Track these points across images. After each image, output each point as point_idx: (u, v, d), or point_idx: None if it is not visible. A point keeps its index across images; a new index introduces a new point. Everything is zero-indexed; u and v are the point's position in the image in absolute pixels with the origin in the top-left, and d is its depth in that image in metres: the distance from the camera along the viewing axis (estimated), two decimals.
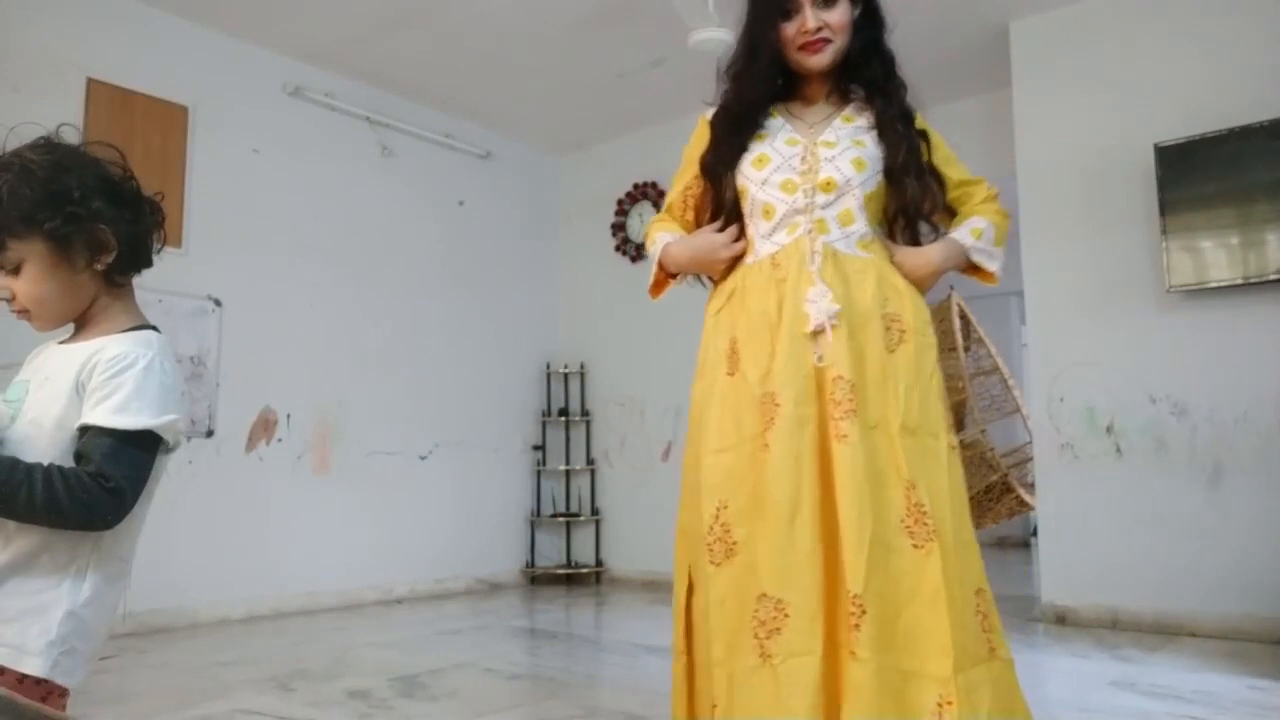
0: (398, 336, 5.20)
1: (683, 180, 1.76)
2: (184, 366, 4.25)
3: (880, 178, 1.59)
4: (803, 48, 1.56)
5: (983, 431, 5.05)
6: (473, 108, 5.52)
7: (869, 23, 1.62)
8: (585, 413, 5.94)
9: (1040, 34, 4.36)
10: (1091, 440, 4.04)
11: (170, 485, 4.17)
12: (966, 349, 5.31)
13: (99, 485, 1.15)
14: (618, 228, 5.95)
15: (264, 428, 4.55)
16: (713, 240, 1.64)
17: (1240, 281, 3.70)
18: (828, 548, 1.42)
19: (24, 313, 1.26)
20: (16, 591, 1.16)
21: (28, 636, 1.16)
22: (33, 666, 1.15)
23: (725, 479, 1.48)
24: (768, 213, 1.58)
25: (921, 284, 1.61)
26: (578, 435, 5.94)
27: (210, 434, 4.32)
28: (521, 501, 5.82)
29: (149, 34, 4.27)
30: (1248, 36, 3.83)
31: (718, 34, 3.68)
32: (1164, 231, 3.86)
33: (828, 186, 1.56)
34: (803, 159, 1.57)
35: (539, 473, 5.88)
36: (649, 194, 5.74)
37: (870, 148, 1.59)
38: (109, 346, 1.25)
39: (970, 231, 1.66)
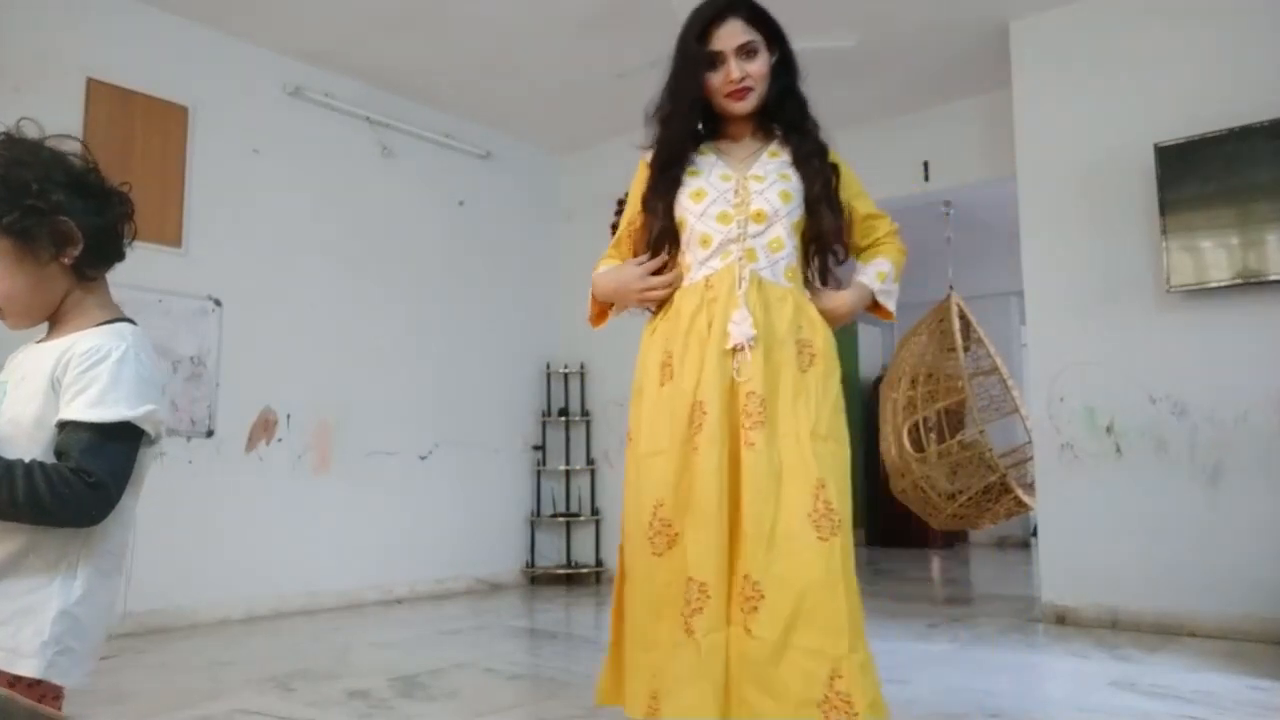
0: (398, 336, 5.20)
1: (628, 216, 1.94)
2: (184, 366, 4.25)
3: (803, 208, 1.78)
4: (729, 95, 1.75)
5: (981, 432, 5.05)
6: (473, 108, 5.52)
7: (784, 70, 1.81)
8: (585, 413, 5.94)
9: (1040, 34, 4.36)
10: (1091, 440, 4.04)
11: (170, 485, 4.21)
12: (966, 349, 5.31)
13: (81, 481, 1.14)
14: (618, 228, 5.94)
15: (264, 428, 4.55)
16: (632, 273, 1.84)
17: (1240, 281, 3.70)
18: (731, 539, 1.63)
19: None
20: (6, 593, 1.16)
21: (21, 639, 1.15)
22: (27, 668, 1.14)
23: (661, 478, 1.67)
24: (705, 242, 1.76)
25: (835, 323, 1.82)
26: (578, 435, 5.94)
27: (210, 434, 4.32)
28: (521, 501, 5.82)
29: (149, 34, 4.27)
30: (1248, 36, 3.83)
31: None
32: (1164, 231, 3.86)
33: (759, 217, 1.74)
34: (735, 192, 1.76)
35: (539, 473, 5.88)
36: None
37: (794, 181, 1.78)
38: (82, 341, 1.24)
39: (876, 275, 1.87)
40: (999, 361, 5.45)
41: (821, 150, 1.81)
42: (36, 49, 3.91)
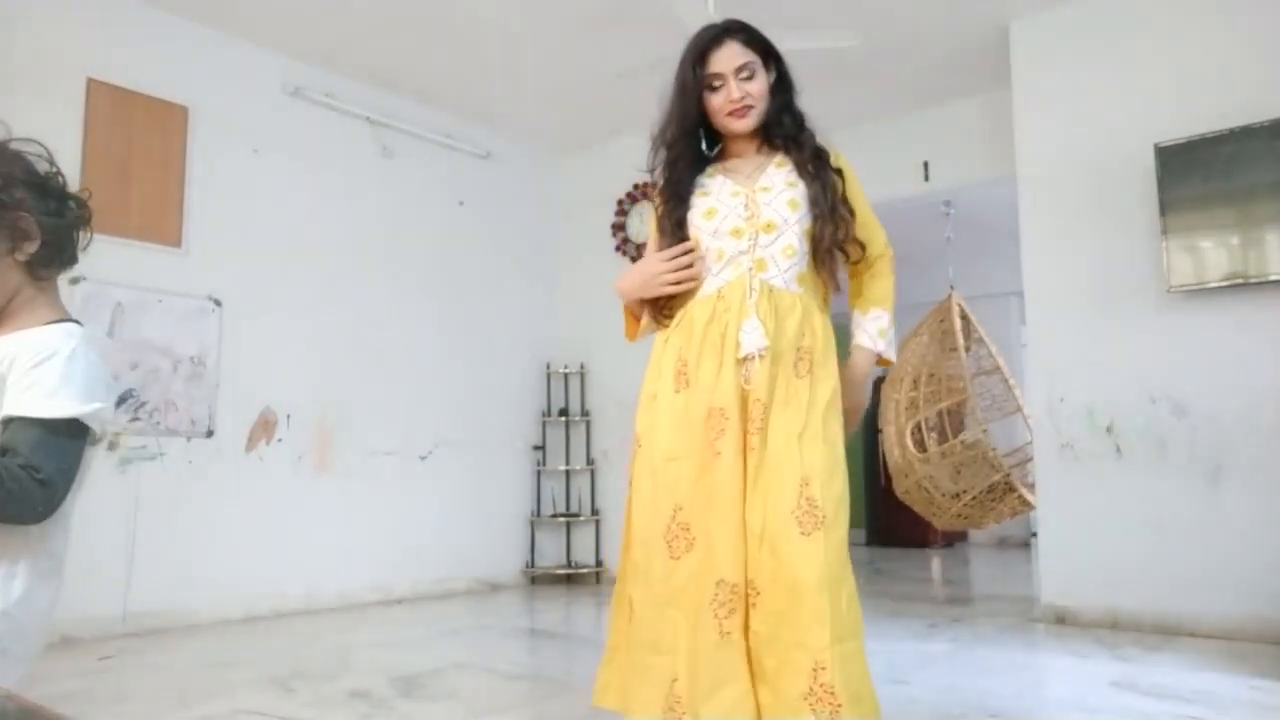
0: (398, 336, 5.20)
1: (648, 250, 1.97)
2: (184, 366, 4.25)
3: (811, 214, 1.84)
4: (730, 114, 1.83)
5: (984, 431, 5.05)
6: (473, 108, 5.52)
7: (781, 87, 1.88)
8: (585, 413, 5.94)
9: (1040, 34, 4.36)
10: (1091, 440, 4.04)
11: (170, 485, 4.22)
12: (967, 349, 5.31)
13: (29, 476, 1.14)
14: (618, 228, 5.95)
15: (264, 428, 4.55)
16: (654, 261, 1.87)
17: (1240, 282, 3.70)
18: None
19: None
20: None
21: None
22: None
23: (681, 483, 1.72)
24: (719, 256, 1.82)
25: (855, 398, 1.89)
26: (578, 435, 5.94)
27: (210, 434, 4.32)
28: (521, 501, 5.82)
29: (149, 34, 4.27)
30: (1248, 36, 3.83)
31: None
32: (1164, 231, 3.86)
33: (769, 228, 1.81)
34: (746, 206, 1.83)
35: (539, 473, 5.88)
36: (649, 194, 5.70)
37: (801, 188, 1.84)
38: (29, 338, 1.24)
39: (878, 333, 1.92)
40: (1000, 361, 5.45)
41: (820, 157, 1.87)
42: (36, 49, 3.91)
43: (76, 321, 1.32)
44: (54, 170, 1.32)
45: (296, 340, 4.71)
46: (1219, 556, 3.67)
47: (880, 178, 5.13)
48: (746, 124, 1.84)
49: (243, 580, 4.35)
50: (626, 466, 1.87)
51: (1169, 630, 3.73)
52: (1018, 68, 4.44)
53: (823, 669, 1.54)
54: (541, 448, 5.94)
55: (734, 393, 1.72)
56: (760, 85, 1.83)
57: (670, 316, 1.87)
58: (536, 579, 5.79)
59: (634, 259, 5.78)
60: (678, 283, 1.83)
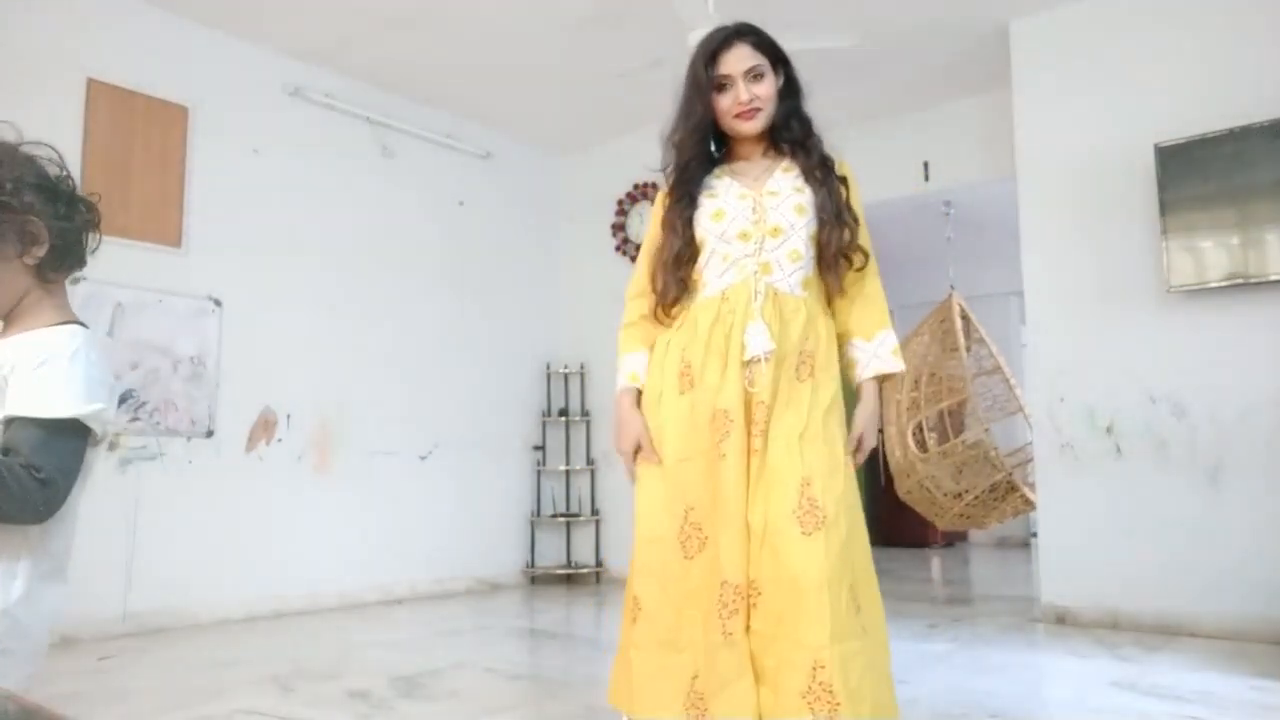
0: (398, 336, 5.20)
1: (648, 244, 1.98)
2: (184, 366, 4.25)
3: (817, 220, 1.85)
4: (738, 115, 1.85)
5: (986, 431, 5.05)
6: (473, 108, 5.52)
7: (789, 91, 1.90)
8: (585, 413, 5.94)
9: (1040, 34, 4.36)
10: (1091, 440, 4.03)
11: (170, 485, 4.21)
12: (968, 349, 5.31)
13: (30, 476, 1.14)
14: (618, 228, 5.95)
15: (264, 428, 4.55)
16: (631, 433, 1.85)
17: (1241, 282, 3.70)
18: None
19: None
20: None
21: None
22: None
23: (691, 484, 1.75)
24: (725, 258, 1.84)
25: (873, 428, 1.87)
26: (578, 435, 5.94)
27: (210, 434, 4.32)
28: (521, 501, 5.82)
29: (149, 34, 4.27)
30: (1247, 36, 3.83)
31: None
32: (1164, 231, 3.86)
33: (775, 232, 1.83)
34: (754, 209, 1.84)
35: (539, 473, 5.88)
36: (649, 194, 5.74)
37: (807, 194, 1.86)
38: (32, 339, 1.24)
39: (891, 354, 1.88)
40: (1001, 361, 5.45)
41: (826, 164, 1.89)
42: (36, 49, 3.91)
43: (82, 324, 1.33)
44: (64, 174, 1.32)
45: (296, 340, 4.71)
46: (1219, 556, 3.67)
47: (880, 178, 5.14)
48: (754, 126, 1.85)
49: (243, 580, 4.35)
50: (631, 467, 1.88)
51: (1169, 630, 3.73)
52: (1018, 68, 4.44)
53: (821, 668, 1.55)
54: (541, 448, 5.94)
55: (738, 395, 1.74)
56: (768, 88, 1.84)
57: (673, 318, 1.88)
58: (536, 579, 5.79)
59: (634, 259, 5.77)
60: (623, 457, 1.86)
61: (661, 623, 1.72)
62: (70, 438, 1.21)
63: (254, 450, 4.50)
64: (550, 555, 5.87)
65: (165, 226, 4.26)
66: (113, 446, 3.95)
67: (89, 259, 1.38)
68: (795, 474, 1.67)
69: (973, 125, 5.10)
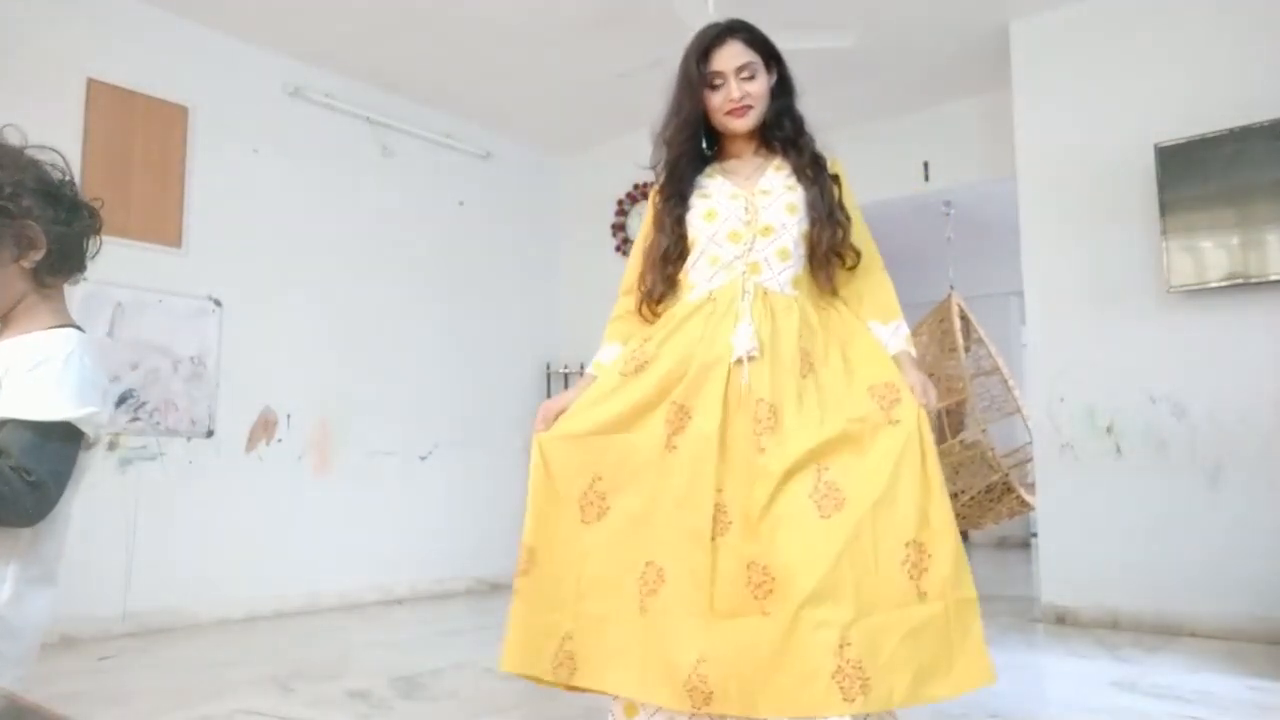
0: (398, 336, 5.20)
1: (638, 243, 1.99)
2: (184, 366, 4.25)
3: (808, 219, 1.84)
4: (729, 112, 1.84)
5: (983, 431, 5.06)
6: (473, 108, 5.52)
7: (781, 89, 1.89)
8: None
9: (1040, 34, 4.36)
10: (1091, 440, 4.03)
11: (170, 485, 4.21)
12: (967, 349, 5.32)
13: (20, 479, 1.14)
14: (618, 228, 5.95)
15: (264, 428, 4.55)
16: (555, 403, 1.89)
17: (1240, 282, 3.70)
18: (738, 539, 1.65)
19: None
20: None
21: None
22: None
23: (604, 457, 1.75)
24: (714, 261, 1.84)
25: (923, 377, 1.84)
26: None
27: (210, 434, 4.32)
28: (521, 501, 5.76)
29: (149, 34, 4.27)
30: (1248, 36, 3.83)
31: None
32: (1164, 231, 3.86)
33: (767, 231, 1.82)
34: (746, 209, 1.84)
35: None
36: (649, 194, 5.74)
37: (799, 192, 1.85)
38: (27, 343, 1.24)
39: (906, 340, 1.89)
40: (1000, 361, 5.45)
41: (818, 162, 1.88)
42: (36, 49, 3.91)
43: (78, 327, 1.33)
44: (66, 179, 1.32)
45: (296, 340, 4.71)
46: (1219, 556, 3.67)
47: (880, 178, 5.14)
48: (745, 124, 1.85)
49: (243, 580, 4.35)
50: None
51: (1169, 630, 3.73)
52: (1018, 68, 4.44)
53: (848, 644, 1.50)
54: None
55: (710, 396, 1.70)
56: (760, 86, 1.84)
57: (659, 315, 1.89)
58: None
59: None
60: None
61: (544, 580, 1.75)
62: (62, 441, 1.21)
63: (254, 450, 4.50)
64: None
65: (165, 226, 4.26)
66: (112, 446, 3.95)
67: (89, 264, 1.37)
68: (812, 463, 1.65)
69: (973, 125, 5.10)
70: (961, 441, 5.19)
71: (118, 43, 4.17)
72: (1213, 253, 3.78)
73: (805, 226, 1.83)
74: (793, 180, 1.86)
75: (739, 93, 1.81)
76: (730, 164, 1.92)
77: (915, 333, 5.45)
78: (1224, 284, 3.73)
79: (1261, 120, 3.68)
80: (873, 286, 1.90)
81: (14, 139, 1.30)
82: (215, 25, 4.47)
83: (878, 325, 1.88)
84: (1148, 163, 3.93)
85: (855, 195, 1.93)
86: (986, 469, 5.00)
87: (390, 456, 5.10)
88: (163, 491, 4.09)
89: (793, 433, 1.68)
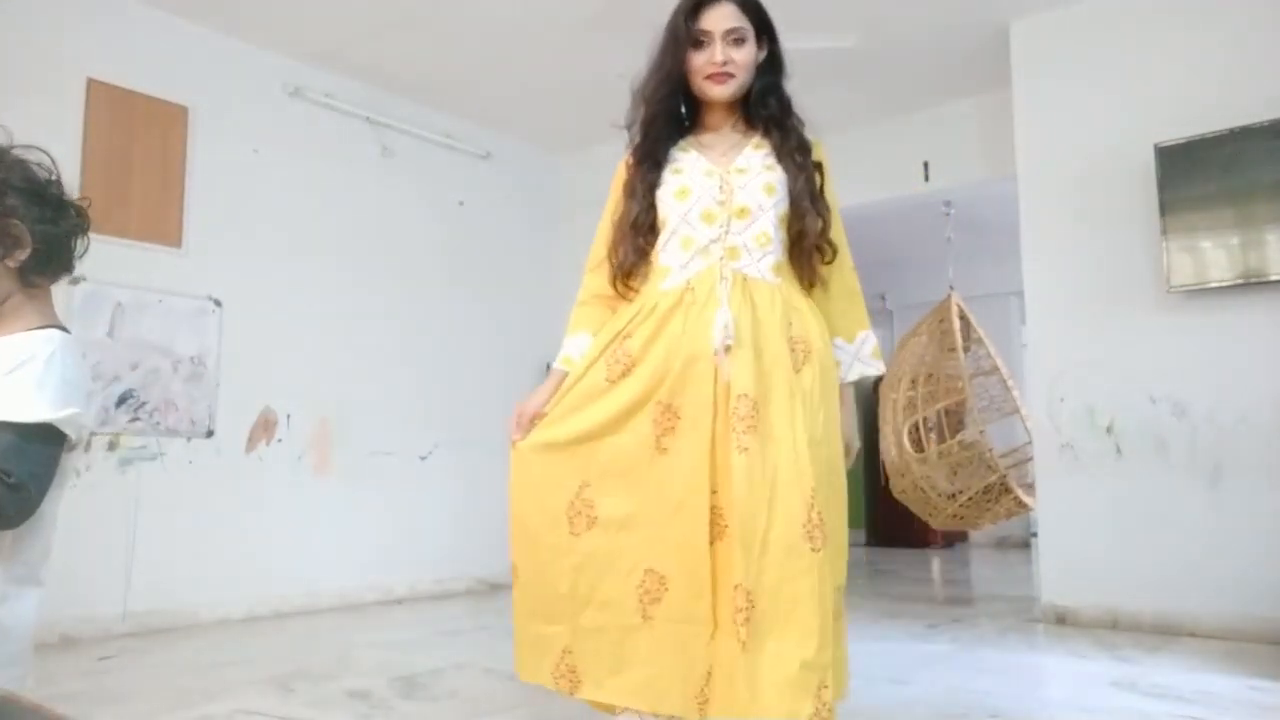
0: (398, 336, 5.20)
1: (608, 213, 1.87)
2: (184, 366, 4.25)
3: (787, 202, 1.73)
4: (709, 77, 1.73)
5: (982, 432, 5.05)
6: (473, 108, 5.51)
7: (771, 67, 1.79)
8: None
9: (1040, 34, 4.36)
10: (1091, 440, 4.04)
11: (170, 485, 4.21)
12: (966, 349, 5.31)
13: (0, 481, 1.13)
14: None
15: (264, 428, 4.55)
16: (528, 406, 1.79)
17: (1240, 281, 3.70)
18: (716, 545, 1.60)
19: None
20: None
21: None
22: None
23: (591, 462, 1.67)
24: (686, 244, 1.72)
25: (853, 431, 1.82)
26: None
27: (210, 434, 4.32)
28: None
29: (149, 34, 4.27)
30: (1248, 36, 3.83)
31: None
32: (1164, 232, 3.86)
33: (742, 213, 1.71)
34: (720, 188, 1.72)
35: None
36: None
37: (778, 173, 1.74)
38: (9, 343, 1.24)
39: (872, 355, 1.83)
40: (999, 361, 5.45)
41: (804, 146, 1.78)
42: (36, 49, 3.91)
43: (63, 328, 1.32)
44: (53, 178, 1.31)
45: (296, 340, 4.71)
46: (1219, 556, 3.67)
47: (880, 178, 5.15)
48: (723, 91, 1.73)
49: (243, 580, 4.35)
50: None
51: (1169, 630, 3.73)
52: (1018, 68, 4.44)
53: (825, 687, 1.49)
54: None
55: (694, 392, 1.63)
56: (747, 55, 1.73)
57: (633, 290, 1.79)
58: None
59: None
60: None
61: (534, 593, 1.70)
62: (43, 443, 1.20)
63: (254, 450, 4.50)
64: None
65: (165, 226, 4.26)
66: (112, 446, 3.95)
67: (77, 264, 1.36)
68: (805, 484, 1.56)
69: (973, 125, 5.10)
70: (960, 442, 5.19)
71: (118, 43, 4.17)
72: (1213, 253, 3.78)
73: (783, 210, 1.73)
74: (772, 160, 1.75)
75: (722, 57, 1.70)
76: (706, 137, 1.81)
77: (914, 333, 5.47)
78: (1224, 284, 3.73)
79: (1261, 120, 3.68)
80: (845, 293, 1.82)
81: (0, 139, 1.30)
82: (215, 25, 4.47)
83: (842, 344, 1.80)
84: (1148, 163, 3.93)
85: (852, 194, 1.88)
86: (985, 469, 5.00)
87: (390, 456, 5.10)
88: (163, 491, 4.09)
89: (782, 438, 1.58)
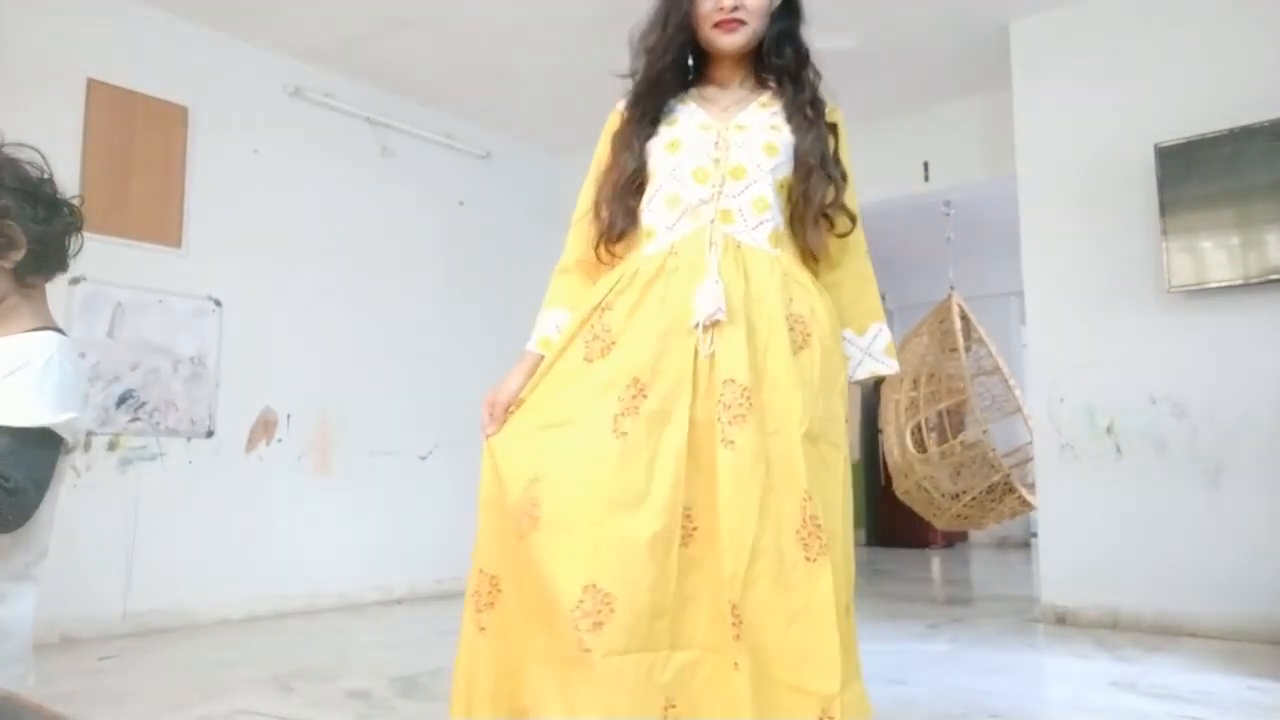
0: (398, 336, 5.20)
1: (596, 161, 1.72)
2: (184, 366, 4.25)
3: (791, 164, 1.55)
4: (718, 24, 1.54)
5: (984, 431, 5.06)
6: (473, 108, 5.51)
7: (786, 12, 1.61)
8: None
9: (1040, 34, 4.36)
10: (1091, 440, 4.03)
11: (170, 485, 4.21)
12: (967, 349, 5.32)
13: None
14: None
15: (264, 428, 4.55)
16: (500, 394, 1.69)
17: (1240, 281, 3.70)
18: (702, 551, 1.39)
19: None
20: None
21: None
22: None
23: (547, 453, 1.47)
24: (673, 202, 1.54)
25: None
26: None
27: (210, 434, 4.32)
28: None
29: (149, 34, 4.27)
30: (1247, 36, 3.83)
31: None
32: (1164, 232, 3.86)
33: (737, 173, 1.52)
34: (715, 144, 1.54)
35: None
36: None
37: (784, 133, 1.56)
38: (5, 346, 1.24)
39: (884, 352, 1.63)
40: (1000, 361, 5.45)
41: (818, 103, 1.59)
42: (36, 49, 3.91)
43: (59, 330, 1.31)
44: (45, 177, 1.30)
45: (296, 340, 4.71)
46: (1219, 556, 3.67)
47: (880, 178, 5.14)
48: (733, 40, 1.55)
49: (243, 580, 4.35)
50: None
51: (1169, 630, 3.73)
52: (1018, 68, 4.44)
53: (830, 718, 1.31)
54: None
55: (668, 370, 1.43)
56: (759, 0, 1.55)
57: (617, 256, 1.62)
58: None
59: None
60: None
61: (513, 603, 1.46)
62: (41, 447, 1.20)
63: (254, 450, 4.50)
64: None
65: (165, 226, 4.26)
66: (112, 446, 3.95)
67: (71, 263, 1.35)
68: (798, 486, 1.37)
69: (973, 125, 5.10)
70: (963, 442, 5.19)
71: (118, 43, 4.17)
72: (1213, 253, 3.78)
73: (787, 174, 1.53)
74: (779, 120, 1.56)
75: (732, 1, 1.51)
76: (710, 90, 1.63)
77: (915, 333, 5.48)
78: (1224, 284, 3.73)
79: (1261, 120, 3.68)
80: (856, 278, 1.62)
81: None
82: (215, 25, 4.47)
83: (851, 336, 1.60)
84: (1148, 163, 3.93)
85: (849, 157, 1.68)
86: (988, 469, 5.00)
87: (390, 456, 5.09)
88: (163, 491, 4.09)
89: (776, 431, 1.40)
